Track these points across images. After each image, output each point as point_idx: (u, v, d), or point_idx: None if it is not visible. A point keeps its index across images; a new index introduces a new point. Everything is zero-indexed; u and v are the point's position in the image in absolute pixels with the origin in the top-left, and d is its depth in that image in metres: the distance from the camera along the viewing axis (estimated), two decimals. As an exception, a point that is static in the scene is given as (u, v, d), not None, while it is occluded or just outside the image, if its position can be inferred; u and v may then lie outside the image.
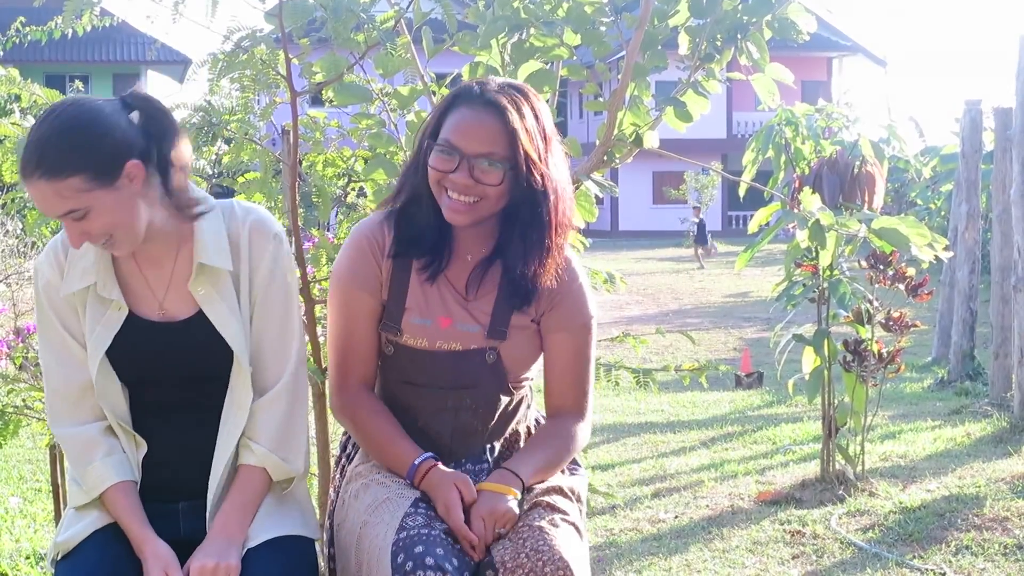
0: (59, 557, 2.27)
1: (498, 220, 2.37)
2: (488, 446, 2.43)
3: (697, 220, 26.61)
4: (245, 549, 2.25)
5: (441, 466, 2.34)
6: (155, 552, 2.21)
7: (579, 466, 2.54)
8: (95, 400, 2.31)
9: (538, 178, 2.30)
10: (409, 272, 2.40)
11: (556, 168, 2.34)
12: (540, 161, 2.30)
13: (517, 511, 2.28)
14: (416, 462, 2.34)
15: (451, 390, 2.38)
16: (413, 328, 2.38)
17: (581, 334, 2.44)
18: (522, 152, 2.28)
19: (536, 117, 2.33)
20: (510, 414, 2.45)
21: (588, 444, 7.42)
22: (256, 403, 2.30)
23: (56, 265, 2.31)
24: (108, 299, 2.29)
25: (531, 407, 2.53)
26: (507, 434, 2.45)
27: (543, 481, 2.40)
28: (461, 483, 2.30)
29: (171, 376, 2.30)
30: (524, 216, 2.32)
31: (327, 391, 2.67)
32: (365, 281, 2.40)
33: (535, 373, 2.53)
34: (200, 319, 2.29)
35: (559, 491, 2.42)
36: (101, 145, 2.12)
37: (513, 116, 2.28)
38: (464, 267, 2.41)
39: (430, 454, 2.36)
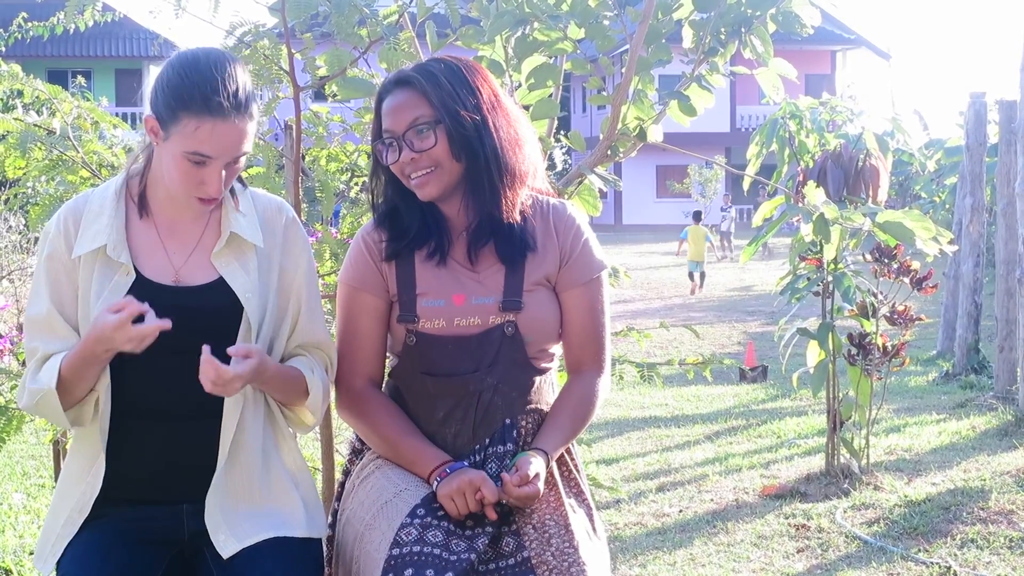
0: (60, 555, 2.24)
1: (467, 184, 2.42)
2: (508, 421, 2.41)
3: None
4: (246, 543, 2.24)
5: (440, 481, 2.33)
6: (102, 318, 2.11)
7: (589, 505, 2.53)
8: None
9: (469, 124, 2.36)
10: (413, 263, 2.44)
11: (491, 111, 2.40)
12: (467, 109, 2.36)
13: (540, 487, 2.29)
14: (436, 483, 2.33)
15: (472, 374, 2.39)
16: (428, 311, 2.40)
17: (594, 287, 2.47)
18: (441, 106, 2.36)
19: (454, 73, 2.40)
20: (532, 392, 2.44)
21: (593, 438, 7.41)
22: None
23: (63, 233, 2.26)
24: (117, 262, 2.23)
25: (554, 390, 2.52)
26: (529, 410, 2.44)
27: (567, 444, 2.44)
28: (455, 493, 2.29)
29: (172, 341, 2.14)
30: (475, 166, 2.39)
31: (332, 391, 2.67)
32: (366, 280, 2.45)
33: (557, 354, 2.53)
34: (216, 286, 2.26)
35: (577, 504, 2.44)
36: None
37: (421, 81, 2.37)
38: (462, 243, 2.45)
39: (439, 464, 2.35)
